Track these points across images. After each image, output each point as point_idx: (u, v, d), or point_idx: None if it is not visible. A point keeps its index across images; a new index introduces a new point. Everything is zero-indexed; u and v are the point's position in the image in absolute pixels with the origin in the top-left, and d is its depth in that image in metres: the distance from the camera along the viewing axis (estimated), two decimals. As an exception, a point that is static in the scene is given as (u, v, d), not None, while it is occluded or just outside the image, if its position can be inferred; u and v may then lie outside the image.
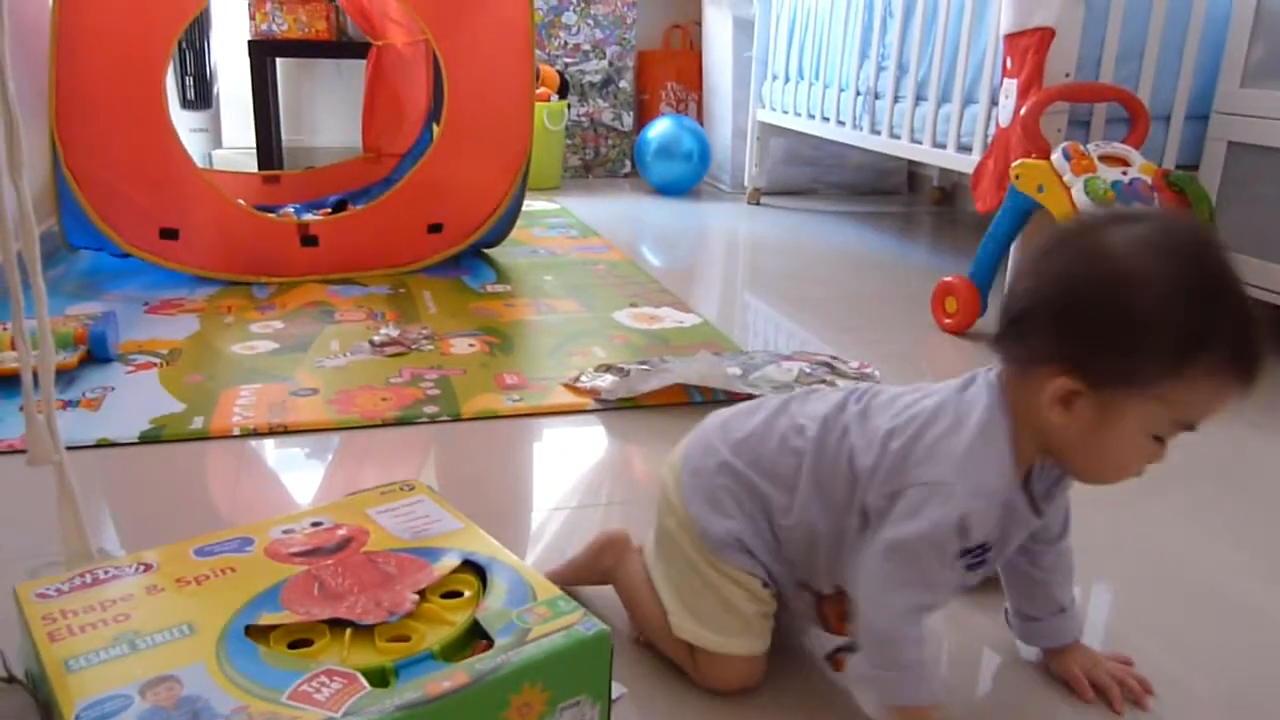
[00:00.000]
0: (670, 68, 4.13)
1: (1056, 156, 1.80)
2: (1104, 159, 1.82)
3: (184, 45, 3.49)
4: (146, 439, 1.39)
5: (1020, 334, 0.79)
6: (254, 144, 3.42)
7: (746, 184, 3.61)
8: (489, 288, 2.27)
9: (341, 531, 0.91)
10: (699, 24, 4.08)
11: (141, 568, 0.84)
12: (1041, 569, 0.91)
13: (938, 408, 0.82)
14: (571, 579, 1.02)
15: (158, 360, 1.69)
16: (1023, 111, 1.88)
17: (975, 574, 0.83)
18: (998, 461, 0.79)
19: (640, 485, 1.33)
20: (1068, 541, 0.92)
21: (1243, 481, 1.40)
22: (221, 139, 3.80)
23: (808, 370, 1.65)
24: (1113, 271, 0.74)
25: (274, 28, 3.32)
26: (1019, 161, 1.88)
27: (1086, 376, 0.75)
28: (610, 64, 4.00)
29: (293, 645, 0.76)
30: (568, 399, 1.58)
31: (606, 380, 1.62)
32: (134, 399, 1.52)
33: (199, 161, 3.03)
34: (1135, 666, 0.92)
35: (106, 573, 0.83)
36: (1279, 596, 1.11)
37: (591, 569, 1.02)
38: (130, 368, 1.65)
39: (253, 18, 3.31)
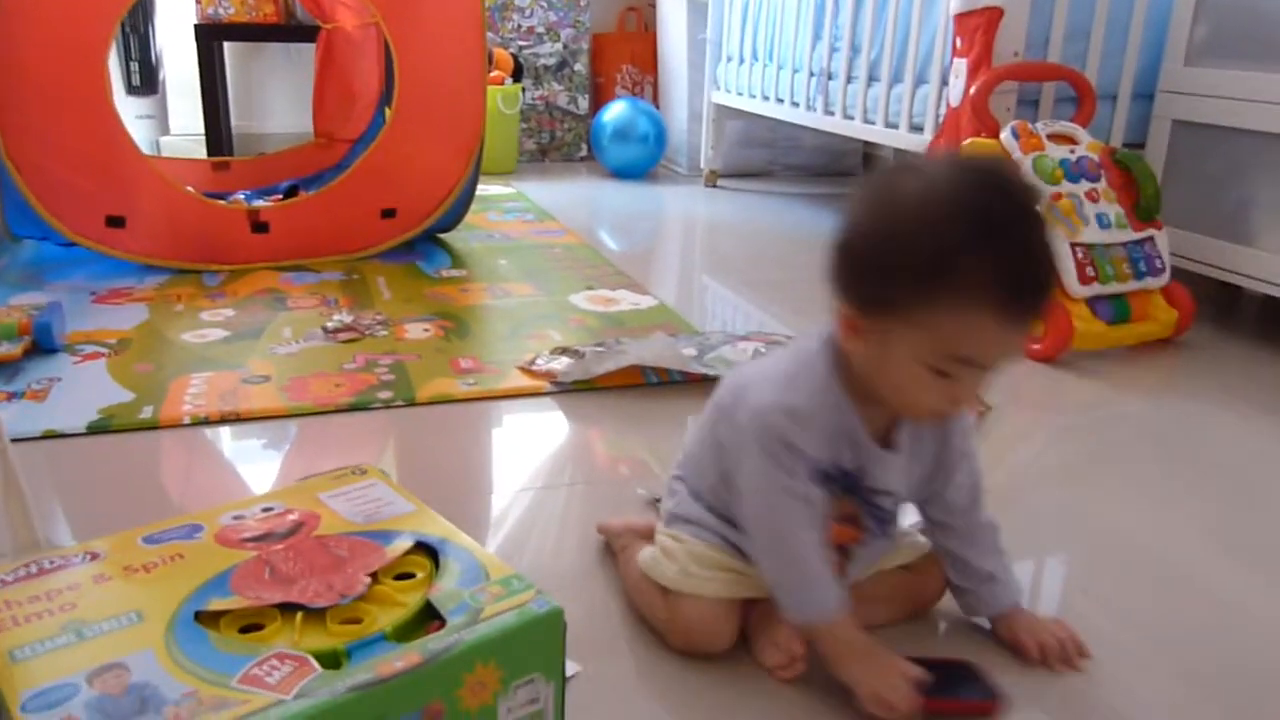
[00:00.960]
0: (625, 50, 4.12)
1: (1005, 135, 1.82)
2: (1052, 137, 1.84)
3: (127, 29, 3.43)
4: (95, 429, 1.37)
5: (827, 274, 0.84)
6: (203, 130, 3.36)
7: (703, 166, 3.61)
8: (444, 273, 2.26)
9: (293, 516, 0.90)
10: (653, 6, 4.06)
11: (89, 556, 0.83)
12: (956, 540, 0.94)
13: (778, 352, 0.91)
14: (605, 533, 1.10)
15: (105, 350, 1.67)
16: (972, 91, 1.90)
17: (869, 511, 0.90)
18: (808, 385, 0.85)
19: (598, 467, 1.33)
20: (980, 515, 0.94)
21: (1192, 454, 1.43)
22: (169, 125, 3.73)
23: (763, 350, 1.66)
24: (884, 203, 0.79)
25: (220, 11, 3.27)
26: (969, 141, 1.90)
27: (856, 303, 0.80)
28: (565, 47, 3.98)
29: (243, 630, 0.75)
30: (524, 382, 1.57)
31: (562, 363, 1.62)
32: (81, 389, 1.50)
33: (146, 149, 2.98)
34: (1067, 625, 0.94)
35: (52, 562, 0.82)
36: (1231, 568, 1.13)
37: (616, 539, 1.08)
38: (77, 358, 1.62)
39: (199, 1, 3.25)
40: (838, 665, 0.84)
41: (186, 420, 1.40)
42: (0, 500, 0.85)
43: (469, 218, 2.56)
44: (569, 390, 1.56)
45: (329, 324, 1.82)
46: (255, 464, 1.34)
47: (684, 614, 0.91)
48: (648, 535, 1.03)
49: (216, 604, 0.77)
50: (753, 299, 2.17)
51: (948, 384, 0.78)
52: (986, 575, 0.94)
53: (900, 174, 0.81)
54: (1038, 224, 0.76)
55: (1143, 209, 1.82)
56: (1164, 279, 1.82)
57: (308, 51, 3.27)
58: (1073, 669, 0.90)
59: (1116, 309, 1.78)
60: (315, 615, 0.76)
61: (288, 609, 0.77)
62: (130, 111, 3.33)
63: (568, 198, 3.29)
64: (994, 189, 0.75)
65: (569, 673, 0.85)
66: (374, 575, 0.81)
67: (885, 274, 0.77)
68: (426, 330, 1.83)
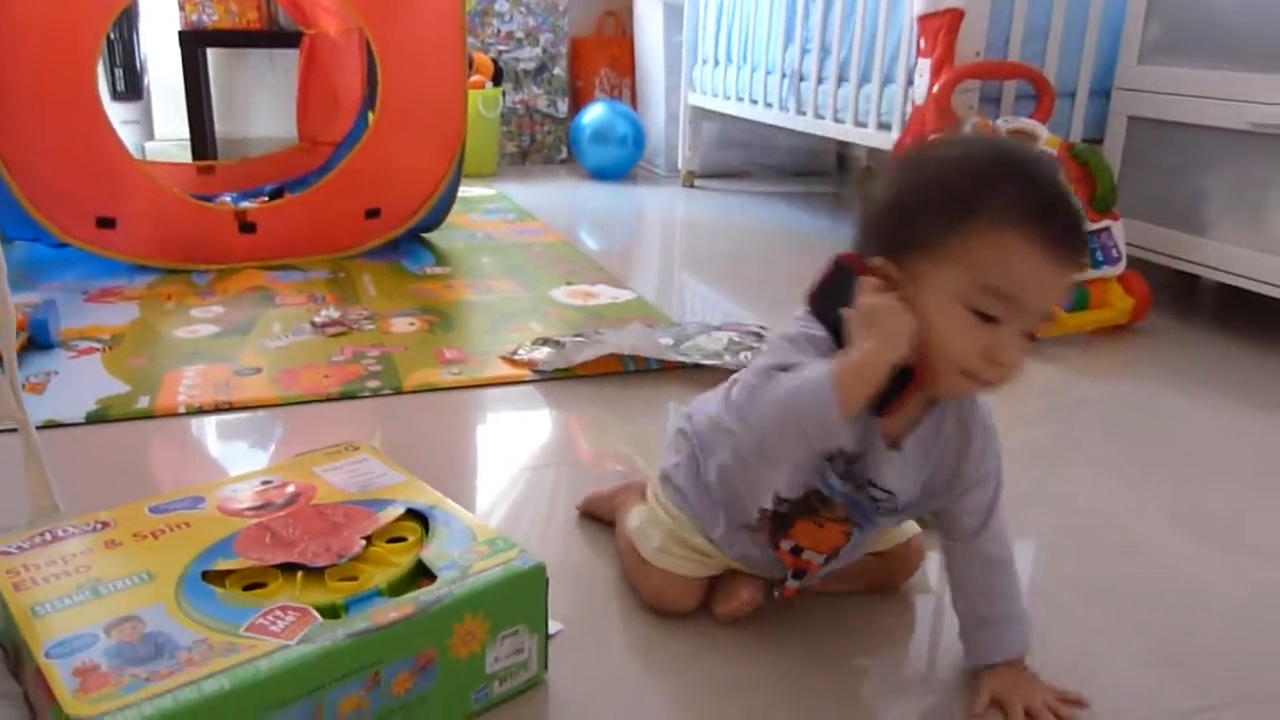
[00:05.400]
0: (603, 54, 4.18)
1: (966, 131, 1.89)
2: (1012, 133, 1.91)
3: (113, 36, 3.47)
4: (93, 419, 1.42)
5: (857, 236, 0.84)
6: (187, 136, 3.41)
7: (680, 167, 3.68)
8: (428, 270, 2.31)
9: (290, 488, 0.96)
10: (630, 10, 4.13)
11: (99, 525, 0.89)
12: (957, 567, 0.90)
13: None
14: (595, 504, 1.17)
15: (100, 345, 1.72)
16: (935, 89, 1.97)
17: (862, 510, 0.88)
18: (802, 322, 0.84)
19: (577, 450, 1.39)
20: (985, 545, 0.88)
21: (1150, 435, 1.50)
22: (154, 131, 3.78)
23: (737, 339, 1.72)
24: (914, 161, 0.83)
25: (204, 18, 3.31)
26: (933, 137, 1.97)
27: (887, 251, 0.79)
28: (544, 51, 4.04)
29: (247, 589, 0.81)
30: (506, 371, 1.63)
31: (543, 352, 1.68)
32: (78, 382, 1.55)
33: (132, 154, 3.02)
34: (1087, 708, 0.86)
35: (65, 531, 0.88)
36: (1188, 543, 1.19)
37: (610, 501, 1.14)
38: (73, 353, 1.67)
39: (182, 8, 3.29)
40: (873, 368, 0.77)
41: (182, 409, 1.46)
42: (22, 468, 0.90)
43: (452, 218, 2.62)
44: (550, 378, 1.62)
45: (317, 319, 1.87)
46: (250, 449, 1.39)
47: (654, 583, 0.99)
48: (642, 490, 1.08)
49: (222, 565, 0.83)
50: (729, 295, 2.23)
51: (987, 332, 0.75)
52: (987, 620, 0.88)
53: (929, 144, 0.87)
54: (1060, 172, 0.79)
55: (1099, 201, 1.90)
56: (1120, 268, 1.90)
57: (291, 57, 3.32)
58: None
59: (1076, 296, 1.85)
60: (314, 574, 0.82)
61: (288, 569, 0.83)
62: (115, 117, 3.32)
63: (548, 199, 3.35)
64: (1013, 145, 0.81)
65: (552, 630, 0.91)
66: (369, 538, 0.87)
67: (916, 213, 0.78)
68: (412, 324, 1.88)
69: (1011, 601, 0.89)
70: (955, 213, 0.75)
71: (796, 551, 0.92)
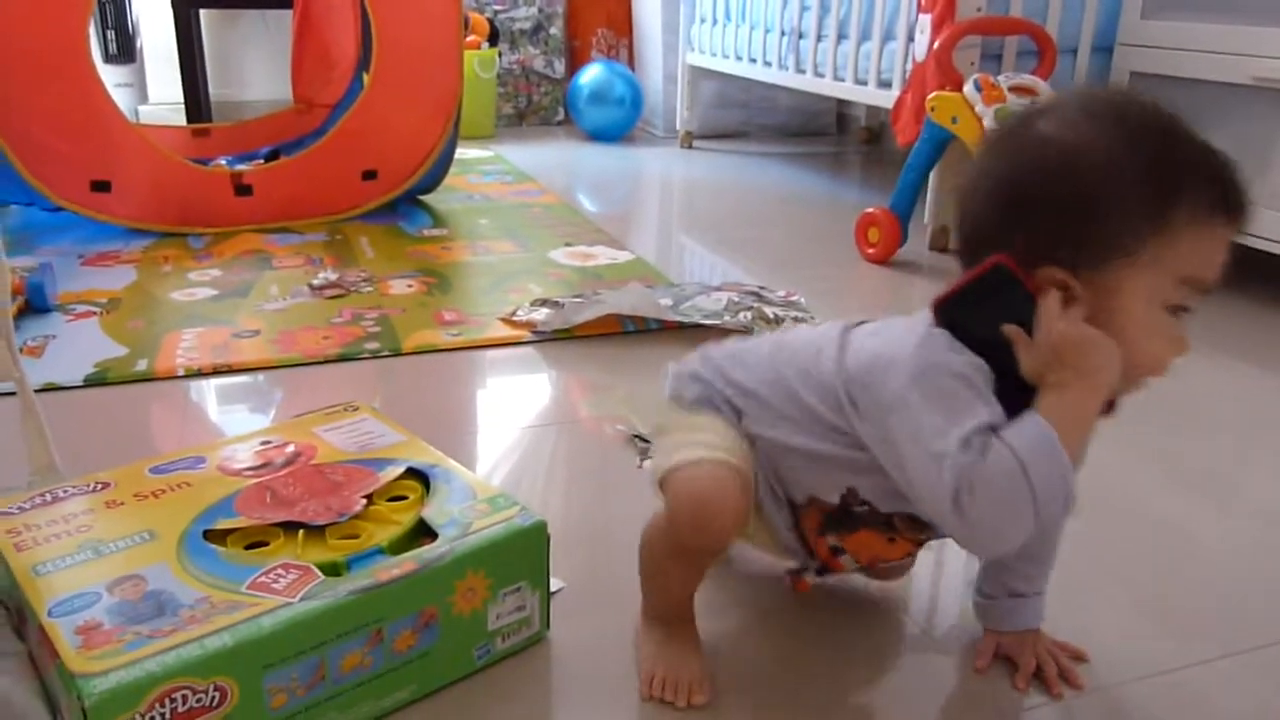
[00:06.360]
0: (600, 13, 4.13)
1: (968, 88, 1.88)
2: (1014, 89, 1.90)
3: (104, -2, 3.43)
4: (92, 382, 1.42)
5: (980, 251, 0.72)
6: (181, 99, 3.37)
7: (679, 128, 3.65)
8: (425, 232, 2.30)
9: (290, 448, 0.96)
10: (628, -31, 4.08)
11: (99, 486, 0.89)
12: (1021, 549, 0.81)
13: (902, 324, 0.77)
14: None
15: (97, 309, 1.71)
16: (936, 46, 1.95)
17: None
18: (950, 345, 0.72)
19: (577, 410, 1.39)
20: (1059, 530, 0.86)
21: (1151, 390, 1.50)
22: (147, 94, 3.74)
23: (736, 299, 1.72)
24: (1056, 152, 0.70)
25: (196, -22, 3.27)
26: (934, 94, 1.95)
27: (1070, 262, 0.69)
28: (540, 11, 3.99)
29: (249, 548, 0.81)
30: (505, 332, 1.63)
31: (542, 313, 1.67)
32: (76, 345, 1.54)
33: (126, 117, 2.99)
34: (1087, 662, 0.88)
35: (65, 491, 0.88)
36: (1189, 505, 1.19)
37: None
38: (70, 316, 1.67)
39: (174, -32, 3.25)
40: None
41: (180, 372, 1.45)
42: (19, 426, 0.90)
43: (449, 180, 2.60)
44: (549, 338, 1.61)
45: (315, 281, 1.86)
46: (249, 411, 1.39)
47: (682, 493, 0.79)
48: None
49: (224, 524, 0.83)
50: (728, 256, 2.22)
51: (1174, 323, 0.72)
52: (1020, 593, 0.87)
53: (1030, 128, 0.73)
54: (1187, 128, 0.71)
55: (1101, 158, 1.88)
56: (1122, 225, 1.88)
57: (285, 18, 3.28)
58: (1053, 696, 0.84)
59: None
60: (315, 533, 0.82)
61: (289, 528, 0.83)
62: (108, 80, 3.29)
63: (546, 160, 3.33)
64: (1151, 110, 0.71)
65: (554, 588, 0.91)
66: (369, 497, 0.87)
67: (1110, 218, 0.68)
68: (410, 286, 1.88)
69: (1046, 578, 0.88)
70: (1153, 217, 0.68)
71: (837, 551, 0.84)
